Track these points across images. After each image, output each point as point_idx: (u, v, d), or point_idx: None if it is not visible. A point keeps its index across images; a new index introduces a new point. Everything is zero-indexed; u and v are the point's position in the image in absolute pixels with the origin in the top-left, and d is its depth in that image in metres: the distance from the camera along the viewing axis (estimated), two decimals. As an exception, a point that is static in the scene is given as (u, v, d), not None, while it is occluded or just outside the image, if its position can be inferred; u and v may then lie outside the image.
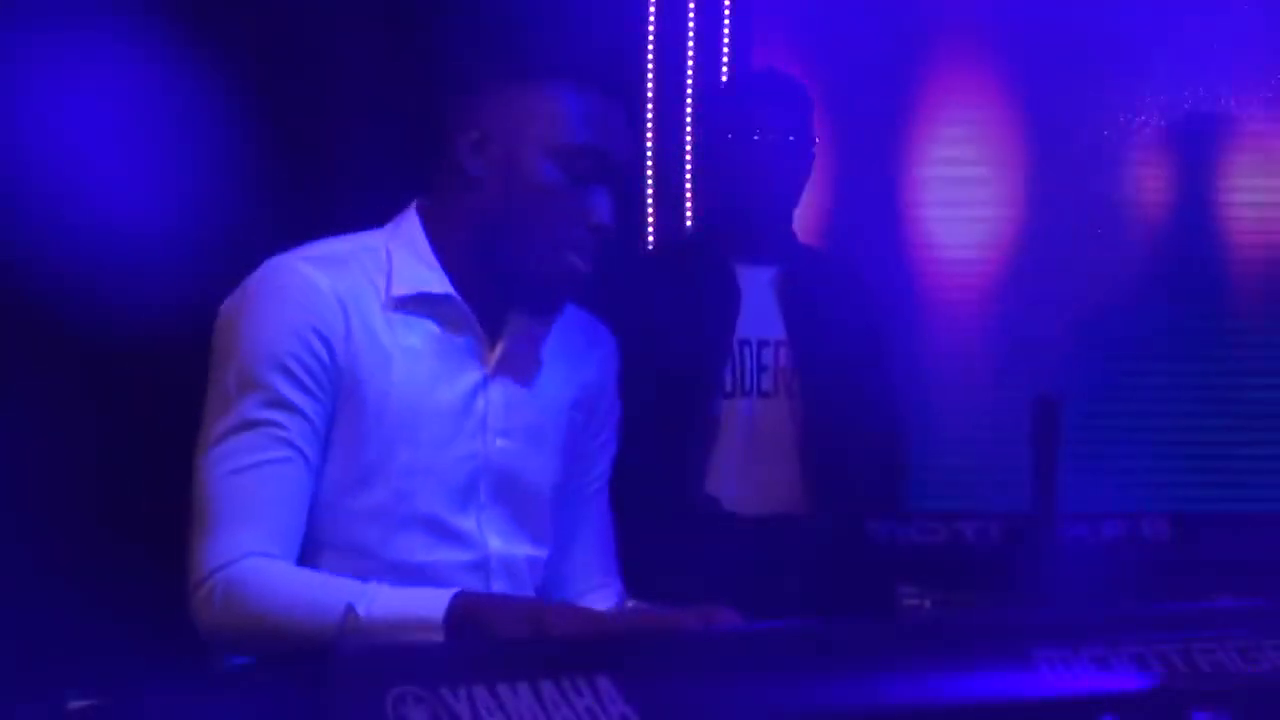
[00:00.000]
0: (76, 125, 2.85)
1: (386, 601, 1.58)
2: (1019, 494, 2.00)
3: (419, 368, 1.76)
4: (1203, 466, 3.58)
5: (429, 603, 1.57)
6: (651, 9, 3.36)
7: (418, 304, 1.77)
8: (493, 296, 1.80)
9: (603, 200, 1.77)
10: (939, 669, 1.43)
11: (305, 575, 1.69)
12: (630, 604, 1.88)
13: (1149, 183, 3.67)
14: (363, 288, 1.75)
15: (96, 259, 2.74)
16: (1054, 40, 3.54)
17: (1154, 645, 1.44)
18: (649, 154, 3.37)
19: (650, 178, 3.37)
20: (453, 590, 1.60)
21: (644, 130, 3.35)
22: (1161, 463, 3.55)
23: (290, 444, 1.68)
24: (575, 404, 1.91)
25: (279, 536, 1.68)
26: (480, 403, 1.79)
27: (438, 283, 1.78)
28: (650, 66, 3.36)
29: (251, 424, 1.67)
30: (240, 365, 1.69)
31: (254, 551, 1.65)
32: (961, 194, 3.60)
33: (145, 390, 2.81)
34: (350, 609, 1.56)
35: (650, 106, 3.37)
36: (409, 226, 1.83)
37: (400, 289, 1.76)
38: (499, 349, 1.81)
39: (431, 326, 1.78)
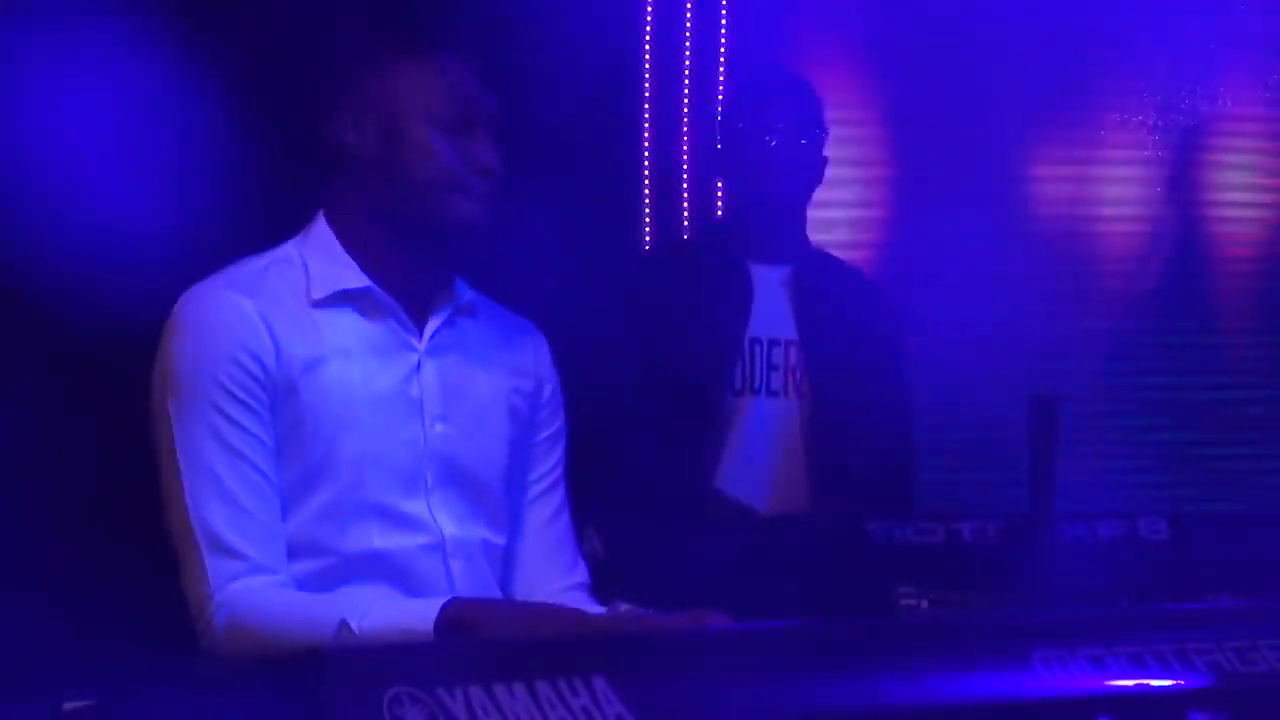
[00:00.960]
0: (70, 126, 2.85)
1: (379, 614, 1.61)
2: (1017, 494, 2.00)
3: (351, 363, 1.79)
4: (1202, 468, 3.58)
5: (420, 611, 1.60)
6: (648, 8, 3.36)
7: (339, 300, 1.81)
8: (410, 278, 1.84)
9: (489, 147, 1.82)
10: (937, 669, 1.43)
11: (297, 595, 1.72)
12: (624, 608, 1.88)
13: (1146, 186, 3.67)
14: (283, 297, 1.79)
15: (89, 259, 2.74)
16: (1058, 41, 3.54)
17: (1151, 645, 1.44)
18: (646, 155, 3.37)
19: (647, 178, 3.37)
20: (444, 598, 1.63)
21: (641, 130, 3.35)
22: (1159, 464, 3.56)
23: (248, 461, 1.71)
24: (515, 390, 1.93)
25: (262, 550, 1.71)
26: (415, 388, 1.82)
27: (354, 278, 1.82)
28: (647, 67, 3.36)
29: (207, 450, 1.71)
30: (181, 395, 1.73)
31: (242, 573, 1.68)
32: (961, 194, 3.59)
33: (143, 390, 2.80)
34: (343, 623, 1.59)
35: (647, 107, 3.37)
36: (318, 231, 1.87)
37: (319, 291, 1.80)
38: (426, 333, 1.85)
39: (356, 319, 1.82)
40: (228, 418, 1.71)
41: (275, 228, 1.95)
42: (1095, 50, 3.60)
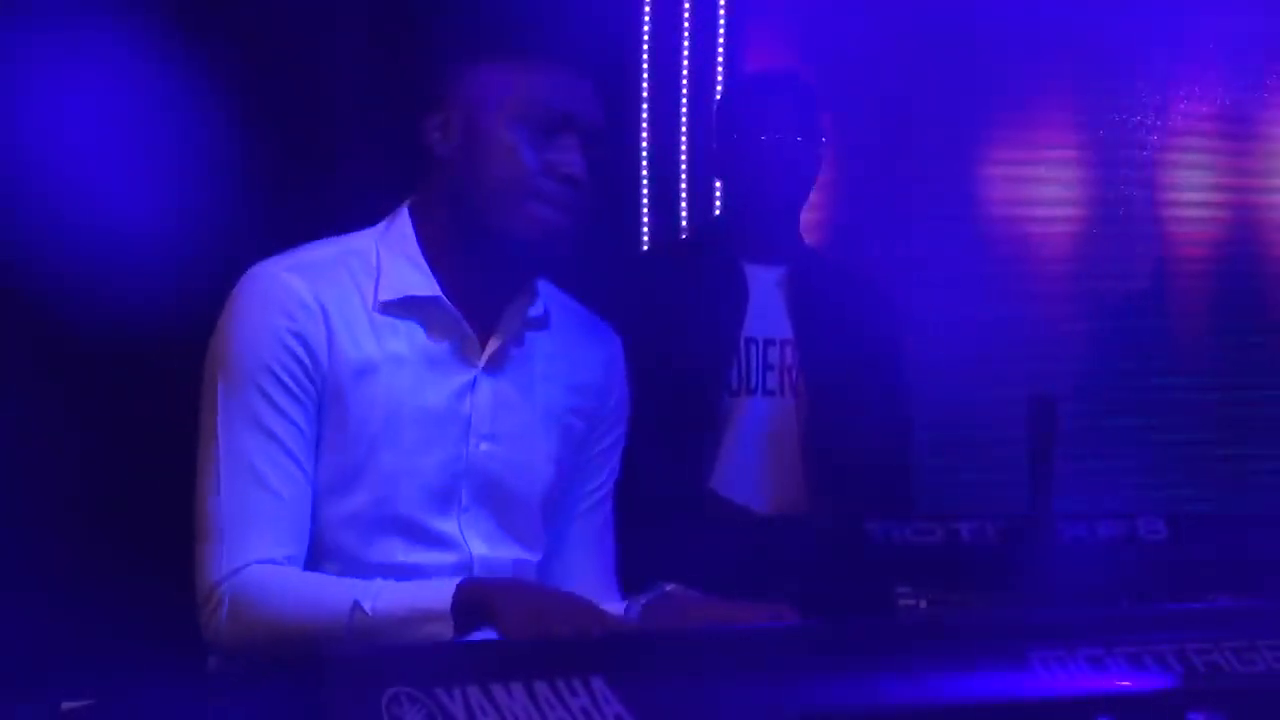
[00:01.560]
0: (71, 126, 2.85)
1: (392, 595, 1.59)
2: (1016, 494, 2.00)
3: (404, 373, 1.75)
4: (1201, 468, 3.58)
5: (435, 593, 1.57)
6: (646, 8, 3.36)
7: (404, 308, 1.77)
8: (482, 290, 1.80)
9: (574, 154, 1.76)
10: (936, 669, 1.43)
11: (309, 577, 1.70)
12: (670, 587, 1.83)
13: (1146, 186, 3.67)
14: (348, 292, 1.75)
15: (90, 260, 2.74)
16: (1065, 40, 3.54)
17: (1150, 646, 1.44)
18: (644, 154, 3.37)
19: (645, 177, 3.37)
20: (457, 579, 1.61)
21: (640, 129, 3.35)
22: (1158, 464, 3.56)
23: (283, 448, 1.68)
24: (573, 410, 1.89)
25: (282, 541, 1.68)
26: (466, 405, 1.78)
27: (425, 285, 1.77)
28: (645, 66, 3.36)
29: (244, 432, 1.68)
30: (228, 375, 1.70)
31: (257, 559, 1.65)
32: (960, 193, 3.59)
33: (143, 390, 2.80)
34: (357, 605, 1.57)
35: (645, 106, 3.37)
36: (399, 226, 1.83)
37: (387, 294, 1.76)
38: (490, 348, 1.80)
39: (418, 330, 1.77)
40: (271, 402, 1.68)
41: (283, 227, 1.95)
42: (1096, 49, 3.59)
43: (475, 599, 1.55)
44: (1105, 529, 2.17)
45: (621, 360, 1.97)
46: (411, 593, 1.60)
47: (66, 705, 1.48)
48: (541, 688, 1.16)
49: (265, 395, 1.68)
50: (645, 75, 3.37)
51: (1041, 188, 3.65)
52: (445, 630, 1.53)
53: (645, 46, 3.36)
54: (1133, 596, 2.04)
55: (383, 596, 1.58)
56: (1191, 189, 3.68)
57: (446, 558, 1.77)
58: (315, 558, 1.72)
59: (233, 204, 2.86)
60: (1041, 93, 3.59)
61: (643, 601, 1.76)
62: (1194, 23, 3.58)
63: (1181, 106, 3.62)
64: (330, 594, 1.62)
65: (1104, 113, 3.63)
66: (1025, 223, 3.64)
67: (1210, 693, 1.42)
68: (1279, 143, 3.71)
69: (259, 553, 1.66)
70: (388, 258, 1.79)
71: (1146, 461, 3.55)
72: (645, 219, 3.36)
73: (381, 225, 1.85)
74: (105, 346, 2.79)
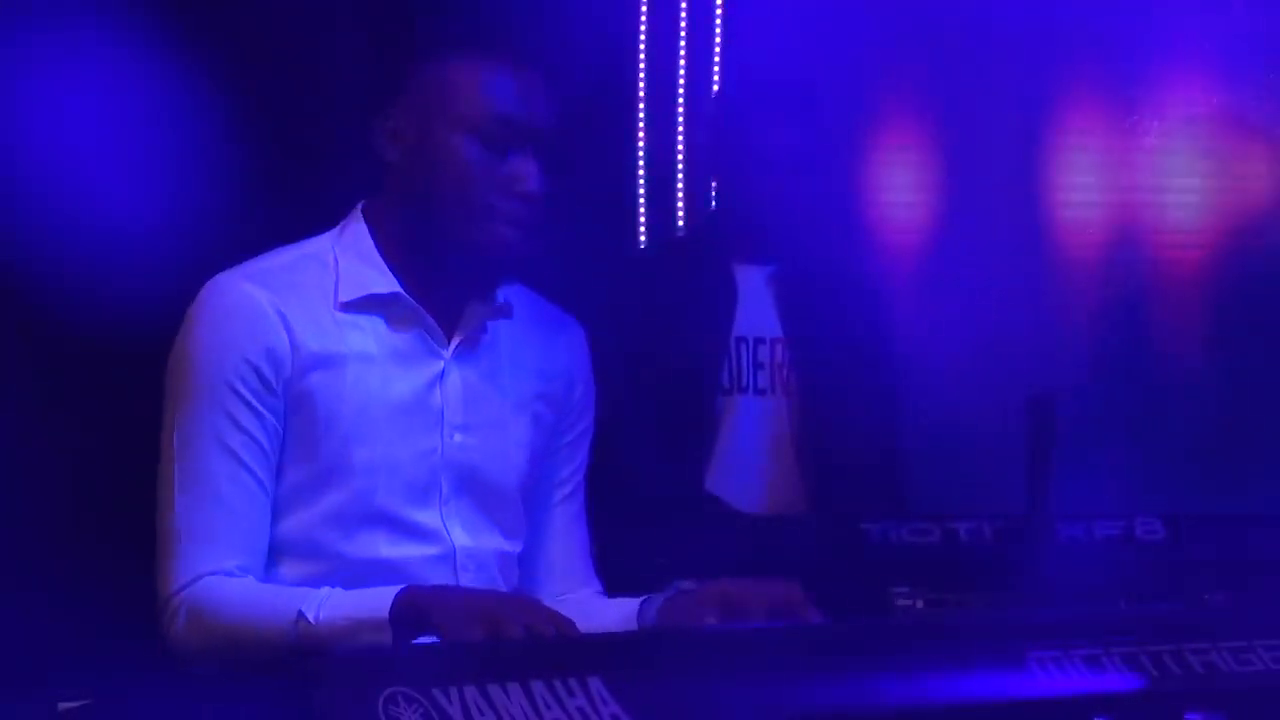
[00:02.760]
0: (66, 125, 2.84)
1: (335, 604, 1.58)
2: (1013, 495, 2.00)
3: (371, 369, 1.74)
4: (1200, 468, 3.58)
5: (375, 601, 1.56)
6: (643, 9, 3.35)
7: (366, 305, 1.76)
8: (442, 286, 1.78)
9: (530, 167, 1.71)
10: (933, 669, 1.43)
11: (260, 587, 1.69)
12: (687, 584, 1.82)
13: (1145, 187, 3.67)
14: (309, 296, 1.74)
15: (88, 259, 2.73)
16: (1061, 40, 3.54)
17: (1147, 646, 1.44)
18: (641, 154, 3.37)
19: (642, 178, 3.36)
20: (399, 586, 1.59)
21: (636, 130, 3.35)
22: (1157, 464, 3.55)
23: (240, 463, 1.68)
24: (540, 396, 1.88)
25: (237, 552, 1.68)
26: (436, 397, 1.78)
27: (384, 282, 1.76)
28: (642, 66, 3.35)
29: (202, 447, 1.68)
30: (187, 390, 1.70)
31: (213, 570, 1.66)
32: (959, 192, 3.59)
33: (140, 390, 2.80)
34: (300, 615, 1.56)
35: (642, 107, 3.37)
36: (354, 228, 1.81)
37: (347, 294, 1.75)
38: (454, 341, 1.79)
39: (382, 326, 1.76)
40: (231, 418, 1.68)
41: (274, 228, 1.94)
42: (1097, 48, 3.59)
43: (413, 606, 1.53)
44: (1103, 529, 2.18)
45: (585, 348, 1.96)
46: (353, 601, 1.58)
47: (63, 705, 1.48)
48: (538, 687, 1.17)
49: (224, 411, 1.68)
50: (642, 74, 3.36)
51: (1042, 186, 3.64)
52: (385, 638, 1.52)
53: (641, 45, 3.36)
54: (1131, 596, 2.04)
55: (326, 605, 1.57)
56: (1191, 188, 3.67)
57: (429, 549, 1.76)
58: (292, 559, 1.72)
59: (222, 205, 2.86)
60: (1041, 90, 3.58)
61: (659, 601, 1.75)
62: (1193, 23, 3.58)
63: (1182, 105, 3.62)
64: (278, 602, 1.62)
65: (1104, 110, 3.63)
66: (1026, 222, 3.63)
67: (1207, 693, 1.42)
68: (1279, 142, 3.71)
69: (214, 564, 1.66)
70: (345, 259, 1.77)
71: (1146, 461, 3.54)
72: (643, 218, 3.36)
73: (336, 229, 1.83)
74: (105, 346, 2.79)
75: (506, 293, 1.83)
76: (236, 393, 1.68)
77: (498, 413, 1.83)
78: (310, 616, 1.56)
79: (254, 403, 1.69)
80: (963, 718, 1.40)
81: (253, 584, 1.69)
